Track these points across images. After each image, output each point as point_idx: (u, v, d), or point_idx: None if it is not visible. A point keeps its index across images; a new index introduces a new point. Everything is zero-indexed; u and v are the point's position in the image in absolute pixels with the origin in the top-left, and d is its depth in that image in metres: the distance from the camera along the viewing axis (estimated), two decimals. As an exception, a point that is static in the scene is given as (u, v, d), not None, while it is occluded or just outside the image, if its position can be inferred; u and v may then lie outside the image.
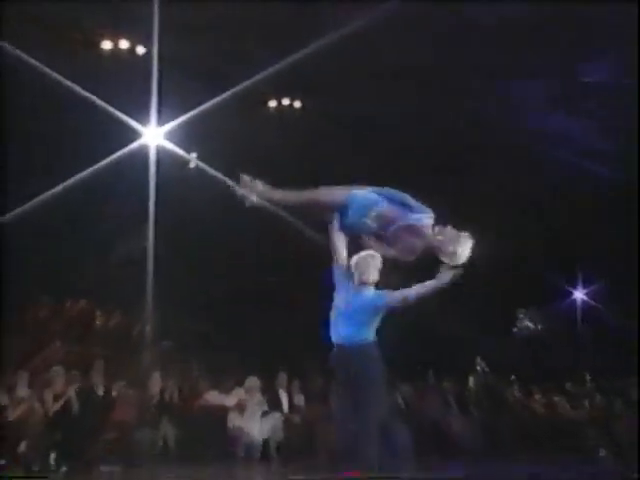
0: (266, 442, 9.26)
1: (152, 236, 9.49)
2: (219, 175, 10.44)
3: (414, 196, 4.36)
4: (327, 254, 4.61)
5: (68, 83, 9.08)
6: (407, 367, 13.06)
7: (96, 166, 9.41)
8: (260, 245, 13.44)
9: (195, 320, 13.68)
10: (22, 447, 7.52)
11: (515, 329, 17.56)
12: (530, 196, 14.62)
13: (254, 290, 13.89)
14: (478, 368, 13.43)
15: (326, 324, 4.59)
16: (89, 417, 8.02)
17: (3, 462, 7.36)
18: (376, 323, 4.50)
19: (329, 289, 4.64)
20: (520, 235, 15.16)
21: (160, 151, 9.68)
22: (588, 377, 14.96)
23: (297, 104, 12.77)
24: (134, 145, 9.55)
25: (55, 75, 9.02)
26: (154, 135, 9.62)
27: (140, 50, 10.68)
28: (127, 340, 11.61)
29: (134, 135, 9.58)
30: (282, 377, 10.40)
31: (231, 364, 11.77)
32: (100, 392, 8.51)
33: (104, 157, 9.38)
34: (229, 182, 4.90)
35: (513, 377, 14.28)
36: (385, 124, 12.60)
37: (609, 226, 14.84)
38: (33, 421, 7.66)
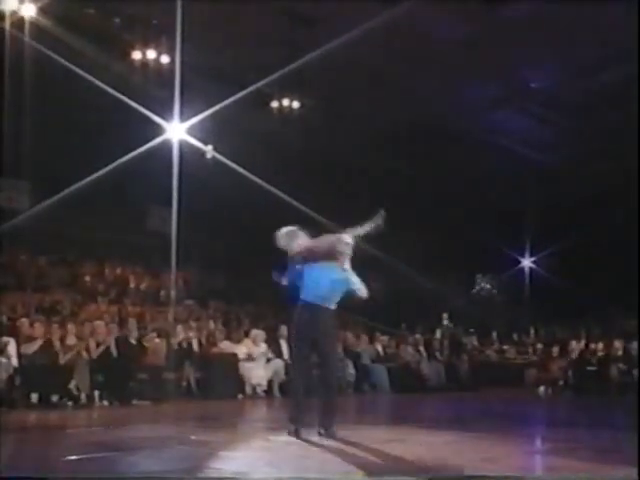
0: (270, 383, 9.32)
1: (176, 214, 9.45)
2: (233, 163, 10.42)
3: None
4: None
5: (105, 87, 9.01)
6: (386, 321, 13.18)
7: (130, 155, 9.36)
8: (270, 217, 13.39)
9: (213, 281, 13.74)
10: (71, 385, 7.58)
11: (474, 290, 17.73)
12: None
13: (263, 254, 13.94)
14: (444, 322, 13.51)
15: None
16: (125, 361, 8.08)
17: (56, 397, 7.42)
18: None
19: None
20: (475, 213, 15.23)
21: (182, 144, 9.62)
22: (532, 329, 15.13)
23: (298, 103, 12.68)
24: (160, 139, 9.49)
25: (94, 81, 8.94)
26: (177, 130, 9.55)
27: (165, 59, 10.58)
28: (156, 299, 11.66)
29: (160, 130, 9.52)
30: (283, 329, 10.45)
31: (242, 318, 11.85)
32: (134, 341, 8.56)
33: (135, 149, 9.33)
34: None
35: (472, 330, 14.47)
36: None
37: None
38: (80, 364, 7.72)
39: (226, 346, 9.60)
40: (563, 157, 14.06)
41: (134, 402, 7.78)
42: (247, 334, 9.93)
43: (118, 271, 12.55)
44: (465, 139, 13.58)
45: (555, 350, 12.22)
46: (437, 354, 12.16)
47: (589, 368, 11.36)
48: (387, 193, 14.59)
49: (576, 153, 13.71)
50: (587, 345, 12.15)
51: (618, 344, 11.51)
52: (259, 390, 9.21)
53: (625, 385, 10.64)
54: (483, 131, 13.60)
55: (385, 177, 14.35)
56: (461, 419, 6.58)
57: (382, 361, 10.92)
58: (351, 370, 10.18)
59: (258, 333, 9.79)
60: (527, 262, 16.99)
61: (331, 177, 14.00)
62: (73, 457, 3.85)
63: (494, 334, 14.49)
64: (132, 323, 8.81)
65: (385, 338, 11.67)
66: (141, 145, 9.35)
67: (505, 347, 14.09)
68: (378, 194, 14.56)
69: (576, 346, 12.08)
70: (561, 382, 11.55)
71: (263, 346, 9.62)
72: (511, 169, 14.53)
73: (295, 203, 11.03)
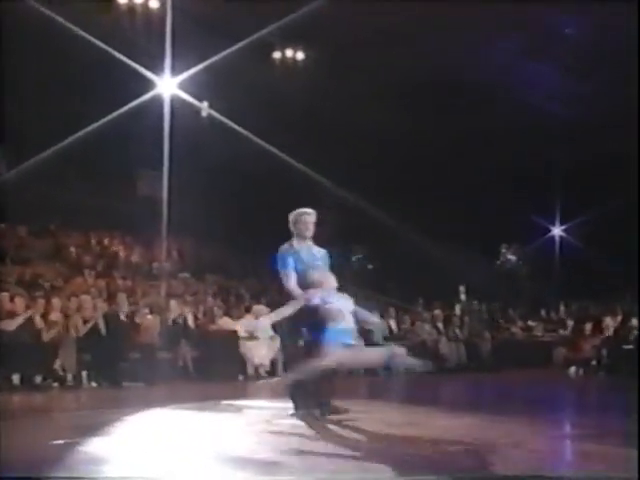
0: (273, 362, 9.39)
1: (169, 178, 9.42)
2: (229, 121, 10.33)
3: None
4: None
5: (86, 36, 8.89)
6: (401, 296, 13.20)
7: (117, 114, 9.29)
8: (272, 181, 13.31)
9: (210, 252, 13.76)
10: (56, 365, 7.65)
11: (498, 262, 17.65)
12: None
13: (263, 224, 13.90)
14: (462, 297, 13.51)
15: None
16: (115, 340, 8.13)
17: (40, 378, 7.50)
18: None
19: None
20: (500, 178, 15.09)
21: (174, 100, 9.53)
22: (562, 304, 15.12)
23: (302, 55, 12.52)
24: (150, 95, 9.40)
25: (73, 28, 8.82)
26: (169, 85, 9.45)
27: (154, 3, 10.42)
28: (148, 271, 11.70)
29: (150, 85, 9.42)
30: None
31: (242, 292, 11.90)
32: (124, 318, 8.61)
33: (123, 106, 9.26)
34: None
35: (495, 305, 14.47)
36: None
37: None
38: (65, 342, 7.78)
39: (225, 323, 9.65)
40: (597, 113, 13.86)
41: (125, 384, 7.86)
42: (248, 310, 9.97)
43: (106, 241, 12.59)
44: (486, 94, 13.39)
45: (587, 327, 12.18)
46: (457, 332, 12.20)
47: (625, 347, 11.35)
48: (401, 156, 14.52)
49: (611, 108, 13.49)
50: (623, 321, 12.12)
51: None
52: (262, 371, 9.28)
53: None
54: (505, 85, 13.41)
55: (398, 138, 14.22)
56: (481, 402, 6.60)
57: (395, 339, 10.96)
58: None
59: (260, 309, 9.81)
60: (557, 231, 16.90)
61: (338, 136, 13.88)
62: (59, 441, 3.90)
63: (520, 310, 14.51)
64: (122, 298, 8.85)
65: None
66: (129, 102, 9.28)
67: (532, 324, 14.08)
68: (390, 157, 14.50)
69: (611, 322, 12.05)
70: (594, 362, 11.57)
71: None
72: (539, 127, 14.36)
73: (299, 165, 10.96)
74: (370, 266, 16.33)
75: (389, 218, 12.74)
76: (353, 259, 16.21)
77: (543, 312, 14.65)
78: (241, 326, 9.47)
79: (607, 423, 5.03)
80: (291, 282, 4.84)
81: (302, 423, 4.59)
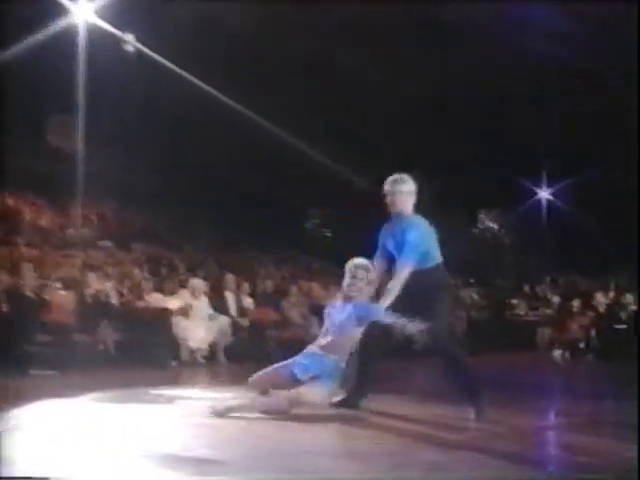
0: (212, 346, 9.38)
1: (85, 126, 9.20)
2: (160, 58, 10.10)
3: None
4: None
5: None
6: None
7: (21, 45, 8.99)
8: (206, 131, 13.15)
9: (137, 217, 13.55)
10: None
11: (476, 230, 17.83)
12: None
13: (201, 181, 13.75)
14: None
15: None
16: (19, 319, 7.96)
17: None
18: None
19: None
20: (479, 134, 15.22)
21: (91, 30, 9.26)
22: (548, 279, 15.48)
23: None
24: (62, 23, 9.12)
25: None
26: (84, 11, 9.18)
27: None
28: (61, 239, 11.47)
29: (61, 11, 9.13)
30: (230, 279, 10.46)
31: (176, 264, 11.80)
32: (30, 293, 8.43)
33: (28, 36, 8.95)
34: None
35: (472, 280, 14.73)
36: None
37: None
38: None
39: (155, 299, 9.57)
40: (589, 60, 14.04)
41: (33, 372, 7.73)
42: (183, 284, 9.90)
43: (9, 202, 12.28)
44: (461, 34, 13.43)
45: (576, 304, 12.53)
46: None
47: (617, 326, 11.71)
48: (367, 103, 14.48)
49: (607, 53, 13.69)
50: (616, 298, 12.48)
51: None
52: (199, 355, 9.25)
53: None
54: (492, 35, 13.45)
55: (366, 84, 14.17)
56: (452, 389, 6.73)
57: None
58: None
59: (197, 283, 9.78)
60: (543, 194, 17.21)
61: (297, 79, 13.73)
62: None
63: (500, 285, 14.81)
64: (28, 269, 8.65)
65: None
66: (36, 31, 8.98)
67: (513, 301, 14.40)
68: (358, 108, 14.45)
69: (602, 299, 12.41)
70: (582, 344, 11.93)
71: (204, 300, 9.63)
72: (522, 75, 14.48)
73: (249, 114, 10.83)
74: (327, 233, 16.38)
75: (350, 176, 12.79)
76: (307, 224, 16.23)
77: (527, 288, 14.99)
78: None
79: (596, 412, 5.18)
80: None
81: (246, 415, 4.60)
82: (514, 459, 3.59)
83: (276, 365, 4.79)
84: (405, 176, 5.09)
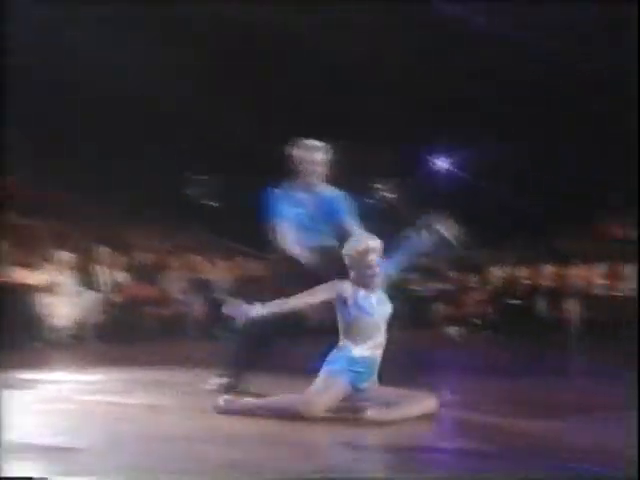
0: (80, 325, 9.17)
1: None
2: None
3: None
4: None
5: None
6: (254, 242, 13.21)
7: None
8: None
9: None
10: None
11: (372, 200, 17.94)
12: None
13: (76, 133, 13.26)
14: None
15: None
16: None
17: None
18: None
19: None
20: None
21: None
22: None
23: None
24: None
25: None
26: None
27: None
28: None
29: None
30: (103, 252, 10.24)
31: (40, 235, 11.38)
32: None
33: None
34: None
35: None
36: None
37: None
38: None
39: (17, 274, 9.23)
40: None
41: None
42: (48, 258, 9.62)
43: None
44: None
45: (472, 279, 12.92)
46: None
47: (512, 302, 12.17)
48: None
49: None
50: (511, 273, 12.93)
51: (550, 270, 12.36)
52: (65, 335, 9.01)
53: (556, 322, 11.53)
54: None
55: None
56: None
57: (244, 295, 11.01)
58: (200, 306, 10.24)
59: (64, 256, 9.52)
60: (440, 163, 17.55)
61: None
62: None
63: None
64: None
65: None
66: None
67: (408, 276, 14.63)
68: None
69: (498, 274, 12.84)
70: (478, 320, 12.33)
71: (71, 274, 9.40)
72: (425, 46, 14.63)
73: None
74: (213, 203, 16.16)
75: (241, 141, 12.62)
76: (191, 192, 15.96)
77: (422, 261, 15.28)
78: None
79: (491, 389, 5.33)
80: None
81: (111, 399, 4.50)
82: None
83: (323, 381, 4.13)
84: (321, 143, 5.01)
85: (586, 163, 14.56)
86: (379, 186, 17.78)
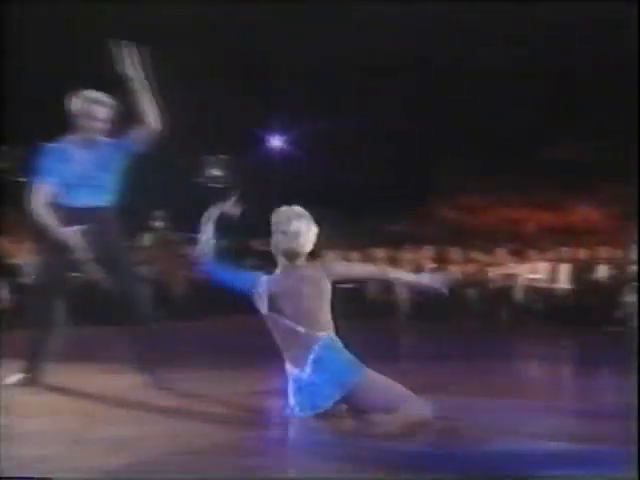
0: None
1: None
2: None
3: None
4: None
5: None
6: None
7: None
8: None
9: None
10: None
11: (201, 179, 17.51)
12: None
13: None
14: (157, 224, 13.37)
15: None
16: None
17: None
18: None
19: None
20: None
21: None
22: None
23: None
24: None
25: None
26: None
27: None
28: None
29: None
30: None
31: None
32: None
33: None
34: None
35: (195, 235, 14.60)
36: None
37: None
38: None
39: None
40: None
41: None
42: None
43: None
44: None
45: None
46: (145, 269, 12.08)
47: (344, 286, 12.32)
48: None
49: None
50: (346, 257, 13.09)
51: (381, 253, 12.68)
52: None
53: (388, 307, 11.82)
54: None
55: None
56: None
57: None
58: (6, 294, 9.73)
59: None
60: (277, 142, 17.51)
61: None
62: None
63: (228, 241, 14.79)
64: None
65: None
66: None
67: (246, 260, 14.46)
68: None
69: (332, 258, 12.96)
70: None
71: None
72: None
73: None
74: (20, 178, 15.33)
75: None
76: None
77: (257, 244, 15.16)
78: None
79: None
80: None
81: None
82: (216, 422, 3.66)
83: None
84: (105, 96, 4.77)
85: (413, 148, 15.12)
86: (209, 163, 17.47)
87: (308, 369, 3.70)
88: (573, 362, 7.53)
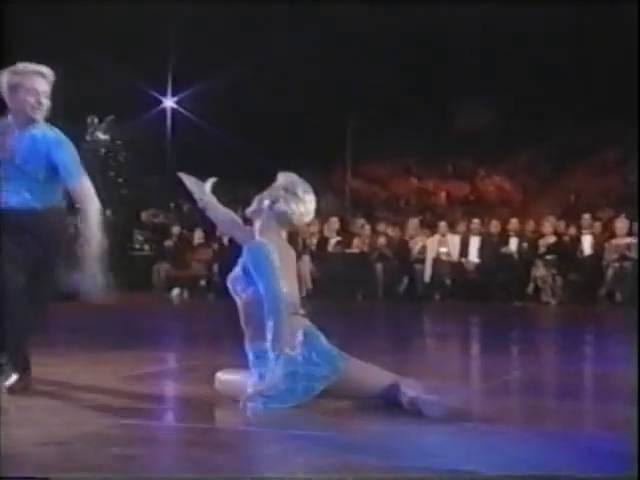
0: None
1: None
2: None
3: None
4: None
5: None
6: None
7: None
8: None
9: None
10: None
11: (83, 143, 16.91)
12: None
13: None
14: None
15: None
16: None
17: None
18: None
19: None
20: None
21: None
22: (172, 205, 15.66)
23: None
24: None
25: None
26: None
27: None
28: None
29: None
30: None
31: None
32: None
33: None
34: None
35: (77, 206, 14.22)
36: None
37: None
38: None
39: None
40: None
41: None
42: None
43: None
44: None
45: (197, 236, 12.65)
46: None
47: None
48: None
49: None
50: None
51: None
52: None
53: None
54: None
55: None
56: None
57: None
58: None
59: None
60: (168, 103, 17.18)
61: None
62: None
63: (108, 212, 14.42)
64: None
65: None
66: None
67: (136, 232, 14.13)
68: None
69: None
70: (203, 281, 12.18)
71: None
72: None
73: None
74: None
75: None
76: None
77: (145, 216, 14.85)
78: None
79: (213, 356, 5.23)
80: None
81: None
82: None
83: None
84: (44, 68, 4.21)
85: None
86: (93, 124, 16.92)
87: (299, 350, 3.57)
88: (481, 340, 7.62)
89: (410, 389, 3.50)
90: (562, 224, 12.47)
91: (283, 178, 3.80)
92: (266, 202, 3.72)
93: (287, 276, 3.64)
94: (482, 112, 18.09)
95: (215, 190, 4.04)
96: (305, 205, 3.75)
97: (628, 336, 6.28)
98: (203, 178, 4.06)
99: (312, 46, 15.50)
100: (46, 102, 4.11)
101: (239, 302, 3.69)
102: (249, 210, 3.81)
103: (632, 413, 3.19)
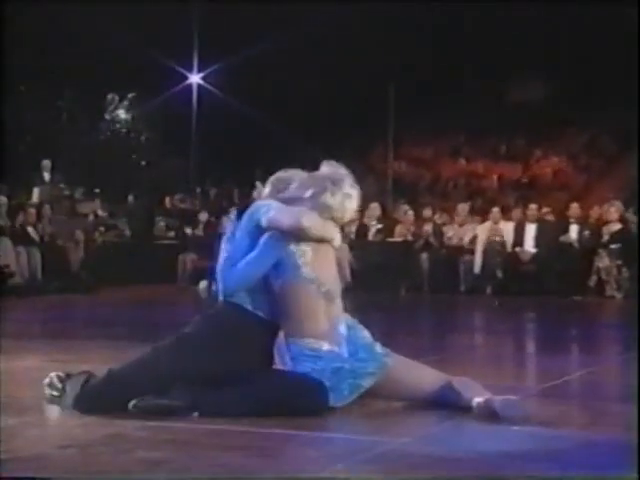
0: None
1: None
2: None
3: None
4: None
5: None
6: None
7: None
8: None
9: None
10: None
11: (102, 123, 16.99)
12: None
13: None
14: (46, 176, 13.18)
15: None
16: None
17: None
18: None
19: None
20: None
21: None
22: (198, 190, 15.75)
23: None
24: None
25: None
26: None
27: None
28: None
29: None
30: None
31: None
32: None
33: None
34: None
35: (97, 190, 14.42)
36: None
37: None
38: None
39: None
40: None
41: None
42: None
43: None
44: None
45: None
46: (30, 230, 11.86)
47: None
48: None
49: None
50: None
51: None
52: None
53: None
54: None
55: None
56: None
57: None
58: None
59: None
60: (194, 79, 17.24)
61: None
62: None
63: (130, 197, 14.58)
64: None
65: None
66: None
67: (158, 219, 14.23)
68: None
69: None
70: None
71: None
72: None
73: None
74: None
75: None
76: None
77: (169, 201, 14.94)
78: None
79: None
80: None
81: None
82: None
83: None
84: None
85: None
86: (112, 102, 17.07)
87: (344, 347, 3.57)
88: (538, 338, 7.57)
89: (469, 390, 3.48)
90: (629, 210, 12.34)
91: (328, 168, 3.77)
92: (309, 191, 3.69)
93: (324, 264, 3.65)
94: (538, 85, 17.96)
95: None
96: (351, 202, 3.72)
97: None
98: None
99: (349, 18, 15.51)
100: None
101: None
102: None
103: None
